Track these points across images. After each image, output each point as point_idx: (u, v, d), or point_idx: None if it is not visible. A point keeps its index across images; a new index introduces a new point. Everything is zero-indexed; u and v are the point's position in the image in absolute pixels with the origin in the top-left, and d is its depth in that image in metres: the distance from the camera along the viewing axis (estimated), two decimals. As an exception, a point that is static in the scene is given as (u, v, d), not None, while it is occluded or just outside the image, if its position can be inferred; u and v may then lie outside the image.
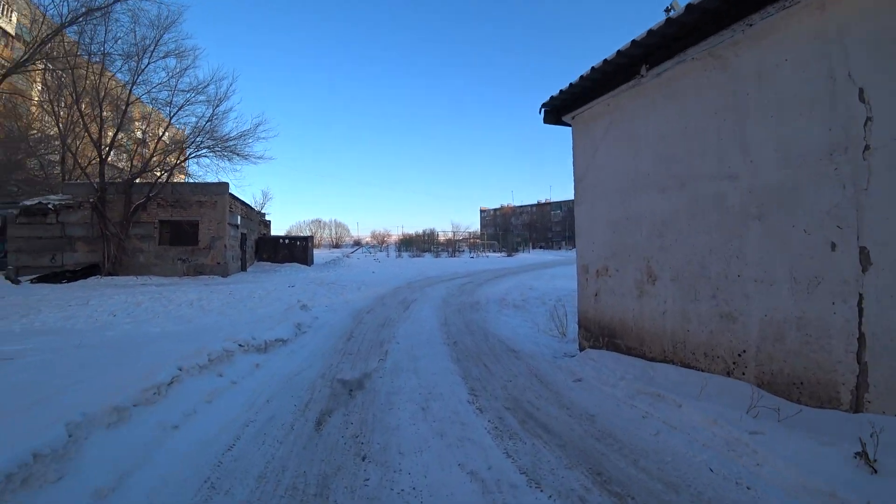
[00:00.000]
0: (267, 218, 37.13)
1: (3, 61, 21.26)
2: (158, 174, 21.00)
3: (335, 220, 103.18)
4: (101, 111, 19.49)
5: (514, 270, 26.36)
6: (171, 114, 21.67)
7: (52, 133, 24.19)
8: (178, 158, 21.85)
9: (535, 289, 13.24)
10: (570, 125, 6.68)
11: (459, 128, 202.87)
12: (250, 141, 22.16)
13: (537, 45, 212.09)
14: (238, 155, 22.01)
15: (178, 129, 24.11)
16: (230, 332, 6.23)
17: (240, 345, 5.10)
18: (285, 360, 5.56)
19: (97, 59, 18.73)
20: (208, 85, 21.54)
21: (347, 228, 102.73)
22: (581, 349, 6.31)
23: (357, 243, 79.59)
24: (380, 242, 70.51)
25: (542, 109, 6.56)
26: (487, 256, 46.65)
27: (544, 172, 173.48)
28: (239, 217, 24.22)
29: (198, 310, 9.31)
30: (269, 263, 28.53)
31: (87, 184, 20.91)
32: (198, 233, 21.42)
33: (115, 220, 20.23)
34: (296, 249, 29.70)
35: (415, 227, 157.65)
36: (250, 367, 4.98)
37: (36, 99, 22.70)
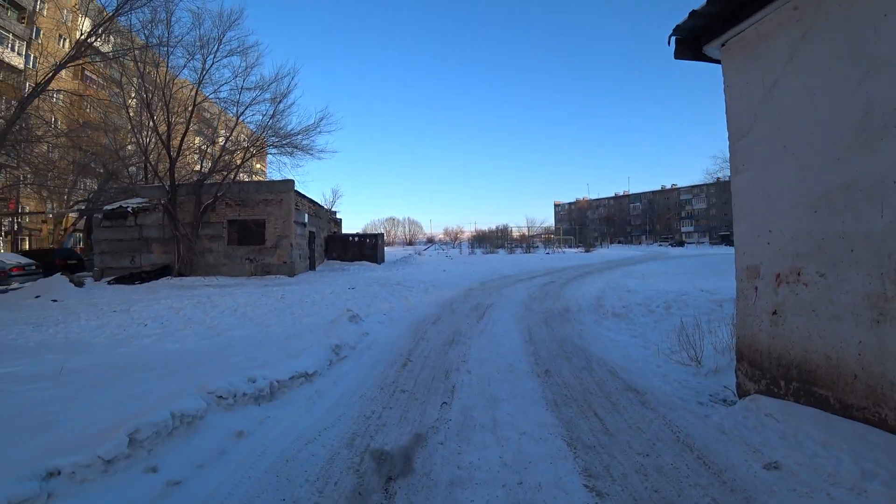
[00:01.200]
0: (337, 216, 36.84)
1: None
2: (226, 173, 20.70)
3: (408, 218, 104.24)
4: (169, 111, 19.35)
5: (598, 268, 23.78)
6: (239, 112, 21.29)
7: (132, 141, 24.79)
8: (243, 157, 21.43)
9: (634, 291, 10.94)
10: (717, 60, 4.55)
11: (533, 119, 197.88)
12: (313, 135, 21.28)
13: (612, 32, 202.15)
14: (300, 149, 21.21)
15: (248, 126, 23.81)
16: (250, 355, 4.78)
17: (221, 397, 3.38)
18: (299, 413, 3.79)
19: (161, 53, 18.63)
20: (273, 82, 20.90)
21: (421, 226, 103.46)
22: (740, 392, 4.20)
23: (430, 240, 79.76)
24: (452, 239, 70.10)
25: (672, 38, 4.47)
26: (564, 252, 44.01)
27: (621, 163, 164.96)
28: (306, 215, 23.57)
29: (238, 318, 8.13)
30: (338, 262, 27.93)
31: (160, 186, 21.07)
32: (264, 232, 20.95)
33: (185, 221, 20.18)
34: (365, 247, 28.88)
35: (487, 223, 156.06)
36: (226, 440, 3.16)
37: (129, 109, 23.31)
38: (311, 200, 25.30)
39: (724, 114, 4.36)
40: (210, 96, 21.65)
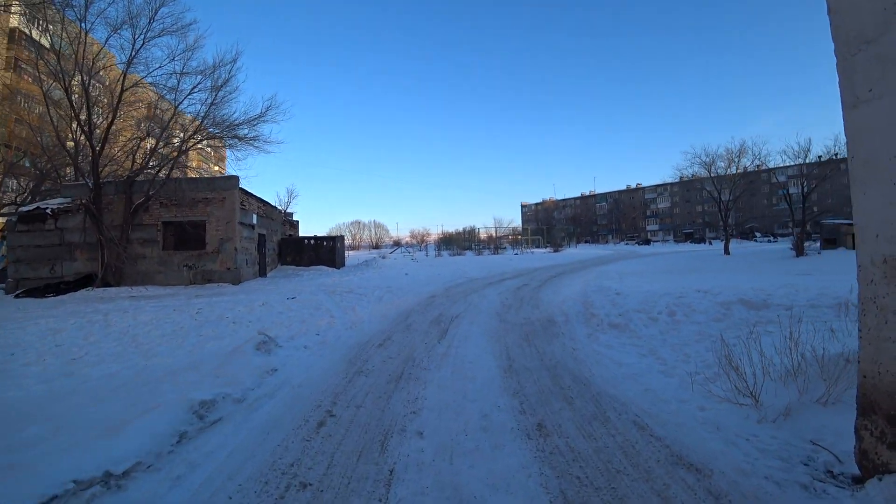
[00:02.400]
0: (294, 218, 34.40)
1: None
2: (157, 168, 18.27)
3: (374, 221, 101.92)
4: (89, 94, 16.77)
5: (571, 268, 22.41)
6: (178, 102, 18.81)
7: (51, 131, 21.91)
8: (180, 149, 18.97)
9: (624, 294, 9.34)
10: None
11: (497, 121, 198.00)
12: (258, 125, 19.03)
13: (575, 31, 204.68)
14: (244, 141, 18.95)
15: (189, 116, 21.23)
16: (56, 423, 2.80)
17: None
18: None
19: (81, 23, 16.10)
20: (216, 69, 18.47)
21: (387, 229, 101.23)
22: (866, 464, 2.53)
23: (396, 243, 78.12)
24: (419, 242, 68.57)
25: None
26: (533, 253, 42.85)
27: (587, 163, 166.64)
28: (255, 216, 21.29)
29: (123, 344, 6.11)
30: (293, 267, 25.69)
31: (84, 184, 18.41)
32: (204, 235, 18.60)
33: (114, 224, 17.65)
34: (322, 251, 26.71)
35: (454, 225, 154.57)
36: None
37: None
38: (260, 200, 22.98)
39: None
40: (146, 79, 18.98)
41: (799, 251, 25.82)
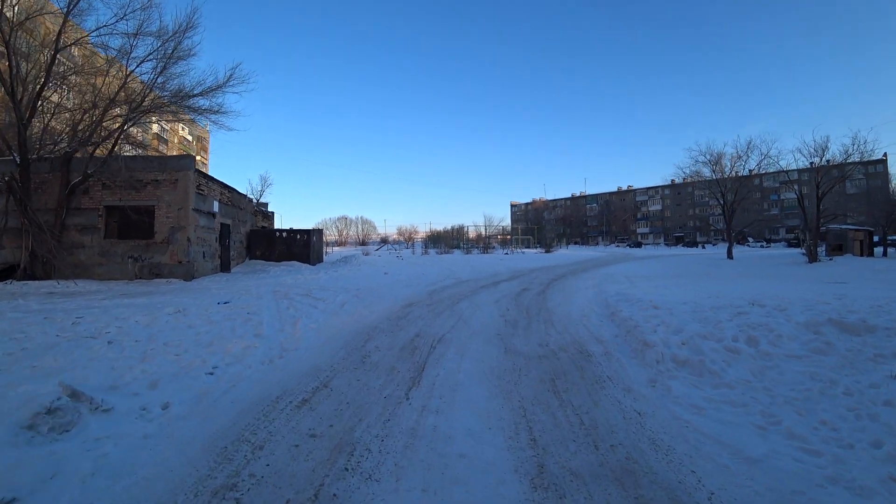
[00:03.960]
0: (269, 209, 31.71)
1: None
2: (98, 144, 15.67)
3: (362, 218, 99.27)
4: (11, 41, 14.00)
5: (570, 270, 20.30)
6: (128, 71, 16.14)
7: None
8: (126, 120, 16.28)
9: (660, 305, 7.16)
10: None
11: (487, 119, 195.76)
12: (219, 95, 16.50)
13: (570, 33, 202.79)
14: (200, 113, 16.44)
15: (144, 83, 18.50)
16: None
17: None
18: None
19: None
20: (173, 36, 15.79)
21: (374, 225, 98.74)
22: None
23: (384, 240, 76.43)
24: (407, 239, 66.54)
25: None
26: (524, 253, 40.70)
27: (578, 164, 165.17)
28: (216, 203, 18.75)
29: None
30: (262, 262, 23.16)
31: (11, 160, 15.69)
32: (153, 222, 16.07)
33: (48, 207, 15.10)
34: (295, 245, 24.18)
35: (443, 223, 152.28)
36: None
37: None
38: (224, 185, 20.41)
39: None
40: (92, 39, 16.17)
41: (812, 257, 23.99)
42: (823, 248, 29.60)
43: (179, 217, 15.93)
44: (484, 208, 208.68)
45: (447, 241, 46.12)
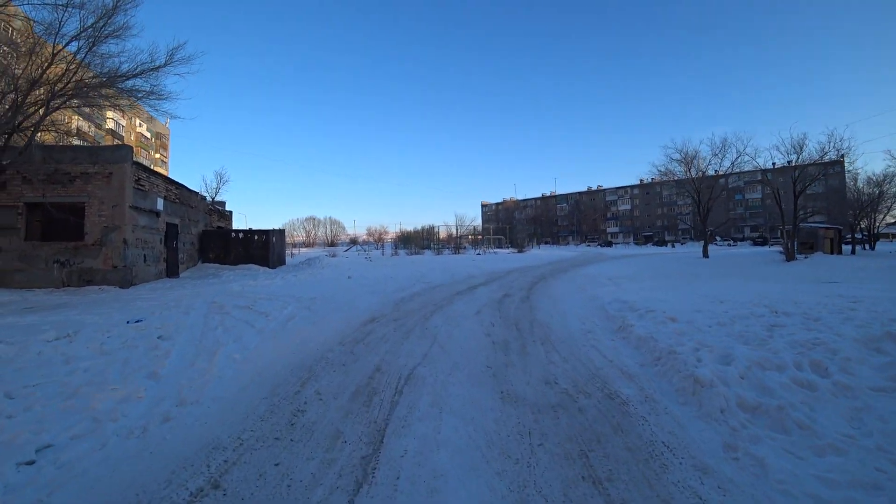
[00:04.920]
0: (228, 208, 29.56)
1: None
2: (12, 131, 13.57)
3: (330, 218, 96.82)
4: None
5: (549, 270, 19.20)
6: (55, 51, 14.09)
7: None
8: (48, 103, 14.22)
9: (677, 317, 6.00)
10: None
11: (460, 120, 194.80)
12: (158, 77, 14.60)
13: (538, 31, 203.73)
14: (135, 95, 14.55)
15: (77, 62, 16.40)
16: None
17: None
18: None
19: None
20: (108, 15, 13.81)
21: (343, 226, 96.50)
22: None
23: (353, 241, 74.74)
24: (376, 240, 64.80)
25: None
26: (496, 253, 39.58)
27: (548, 164, 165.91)
28: (160, 200, 16.82)
29: None
30: (216, 265, 21.22)
31: None
32: (83, 222, 14.11)
33: (-47, 203, 13.02)
34: (253, 247, 22.31)
35: (413, 223, 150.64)
36: None
37: None
38: (170, 181, 18.46)
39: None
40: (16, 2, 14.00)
41: (790, 255, 23.65)
42: (795, 246, 29.49)
43: (114, 215, 14.01)
44: (455, 208, 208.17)
45: (418, 241, 44.59)
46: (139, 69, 14.38)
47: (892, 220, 38.52)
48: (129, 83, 14.62)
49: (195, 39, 71.88)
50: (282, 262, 24.96)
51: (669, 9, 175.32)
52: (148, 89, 15.02)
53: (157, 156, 68.85)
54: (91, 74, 14.54)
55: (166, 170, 71.40)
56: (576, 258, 32.20)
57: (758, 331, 5.12)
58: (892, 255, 28.38)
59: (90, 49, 13.80)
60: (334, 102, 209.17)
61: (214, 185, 29.10)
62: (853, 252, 30.79)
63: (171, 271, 17.46)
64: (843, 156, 24.38)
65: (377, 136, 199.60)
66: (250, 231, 22.66)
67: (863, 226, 33.44)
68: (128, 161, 14.41)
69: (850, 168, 28.63)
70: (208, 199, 27.13)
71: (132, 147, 14.49)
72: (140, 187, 15.08)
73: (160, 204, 16.74)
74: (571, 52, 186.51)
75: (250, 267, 20.75)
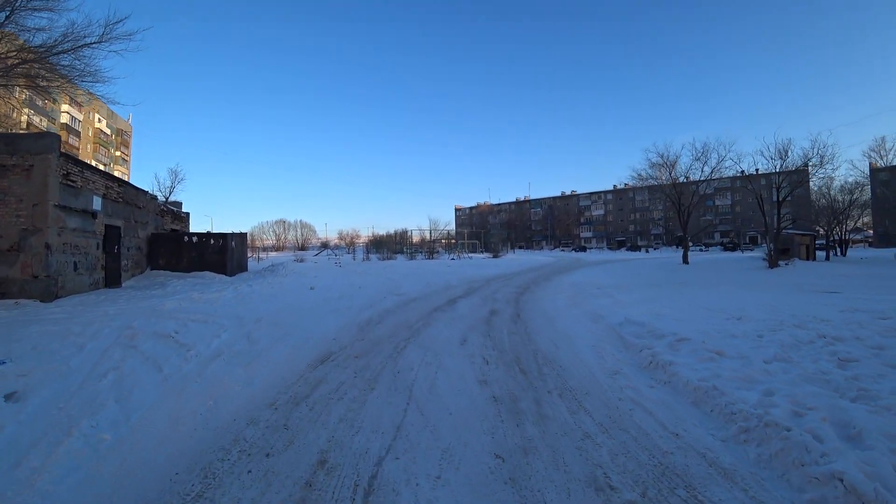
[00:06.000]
0: (184, 210, 27.25)
1: None
2: None
3: (301, 221, 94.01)
4: None
5: (532, 279, 17.92)
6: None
7: None
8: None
9: (726, 351, 4.65)
10: None
11: (435, 123, 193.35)
12: (91, 52, 12.77)
13: (513, 37, 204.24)
14: (60, 74, 12.69)
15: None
16: None
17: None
18: None
19: None
20: None
21: (314, 230, 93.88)
22: None
23: (324, 245, 72.76)
24: (348, 244, 62.77)
25: None
26: (471, 258, 38.15)
27: (523, 169, 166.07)
28: (97, 199, 14.76)
29: None
30: (165, 273, 19.06)
31: None
32: (-4, 223, 12.06)
33: None
34: (208, 252, 20.17)
35: (386, 227, 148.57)
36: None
37: None
38: (111, 177, 16.34)
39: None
40: None
41: (773, 262, 23.08)
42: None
43: (35, 216, 11.98)
44: (429, 211, 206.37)
45: (390, 245, 42.79)
46: (70, 43, 12.46)
47: (855, 227, 38.99)
48: (62, 60, 12.71)
49: (162, 32, 68.47)
50: (242, 268, 22.89)
51: (644, 15, 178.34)
52: (82, 68, 13.13)
53: (118, 153, 64.38)
54: (13, 48, 12.61)
55: (128, 168, 67.02)
56: (554, 264, 31.12)
57: (831, 369, 3.87)
58: (864, 261, 28.45)
59: (10, 16, 11.86)
60: (309, 106, 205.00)
61: (169, 183, 26.69)
62: (827, 258, 30.85)
63: (112, 280, 15.36)
64: (806, 164, 23.99)
65: (349, 139, 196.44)
66: (207, 234, 20.57)
67: (834, 232, 33.55)
68: (52, 152, 12.38)
69: (824, 175, 28.45)
70: (161, 198, 24.89)
71: (58, 135, 12.46)
72: (70, 183, 13.05)
73: (97, 203, 14.67)
74: (546, 59, 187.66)
75: (205, 275, 18.72)
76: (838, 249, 35.36)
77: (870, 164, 63.92)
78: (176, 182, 26.69)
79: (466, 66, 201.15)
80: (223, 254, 20.31)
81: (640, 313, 7.81)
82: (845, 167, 68.10)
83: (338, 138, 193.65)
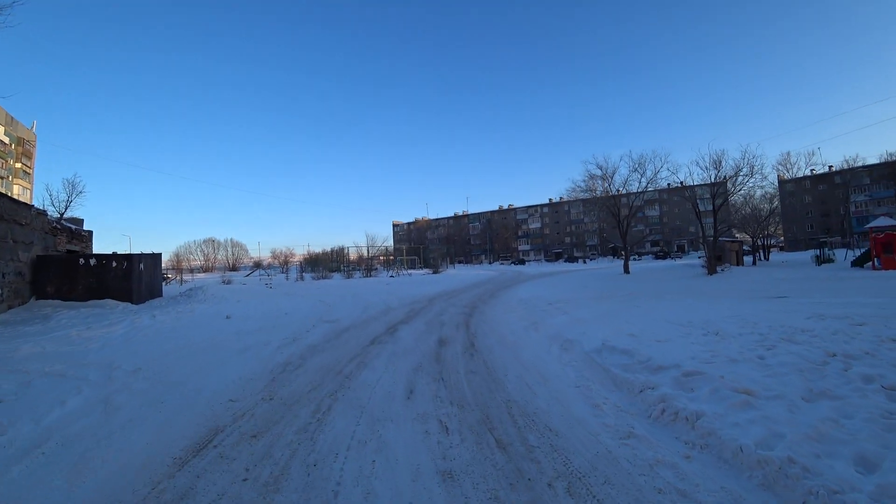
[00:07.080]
0: (86, 228, 23.91)
1: None
2: None
3: (232, 240, 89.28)
4: None
5: (478, 296, 16.85)
6: None
7: None
8: None
9: (755, 390, 3.55)
10: None
11: (371, 139, 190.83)
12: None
13: (457, 45, 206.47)
14: None
15: None
16: None
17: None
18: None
19: None
20: None
21: (246, 249, 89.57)
22: None
23: (257, 264, 69.15)
24: (282, 263, 59.74)
25: None
26: (410, 275, 36.83)
27: (460, 183, 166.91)
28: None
29: None
30: (55, 302, 16.16)
31: None
32: None
33: None
34: (110, 276, 17.40)
35: (322, 245, 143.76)
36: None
37: None
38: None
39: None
40: None
41: (712, 269, 23.52)
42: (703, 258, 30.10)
43: None
44: (366, 227, 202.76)
45: (326, 263, 40.54)
46: None
47: (769, 234, 41.58)
48: None
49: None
50: (154, 294, 20.08)
51: (581, 28, 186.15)
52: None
53: (19, 165, 56.21)
54: None
55: (30, 183, 59.34)
56: (496, 278, 30.33)
57: (884, 402, 2.83)
58: (785, 264, 29.93)
59: None
60: (239, 118, 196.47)
61: (65, 197, 23.09)
62: (754, 263, 32.30)
63: (-25, 315, 12.65)
64: (736, 174, 25.00)
65: (282, 154, 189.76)
66: (109, 256, 17.78)
67: (757, 239, 35.26)
68: None
69: (753, 185, 29.78)
70: (54, 214, 21.63)
71: None
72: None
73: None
74: (479, 73, 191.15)
75: (105, 303, 16.00)
76: (761, 254, 37.13)
77: (778, 175, 69.61)
78: (74, 195, 23.07)
79: (398, 76, 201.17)
80: (128, 278, 17.59)
81: (612, 335, 6.77)
82: (758, 178, 73.42)
83: (272, 153, 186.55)
